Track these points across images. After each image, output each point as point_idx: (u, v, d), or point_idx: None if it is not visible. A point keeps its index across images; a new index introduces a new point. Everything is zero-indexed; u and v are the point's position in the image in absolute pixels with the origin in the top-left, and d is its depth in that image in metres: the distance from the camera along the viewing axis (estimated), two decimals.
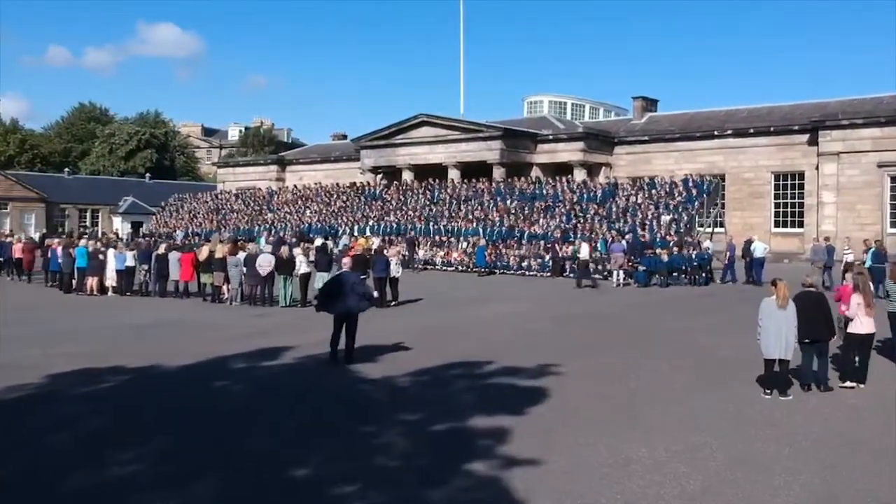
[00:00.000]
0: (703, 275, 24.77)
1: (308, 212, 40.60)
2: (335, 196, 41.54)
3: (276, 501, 6.41)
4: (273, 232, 36.93)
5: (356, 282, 12.60)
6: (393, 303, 19.69)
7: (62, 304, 21.04)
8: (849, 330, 10.33)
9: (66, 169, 69.44)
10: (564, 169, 39.50)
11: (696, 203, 30.27)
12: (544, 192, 34.20)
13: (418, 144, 42.49)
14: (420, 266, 30.88)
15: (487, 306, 19.64)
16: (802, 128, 35.86)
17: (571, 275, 26.02)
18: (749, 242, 25.12)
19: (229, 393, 10.33)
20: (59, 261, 24.04)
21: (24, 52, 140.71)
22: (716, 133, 38.72)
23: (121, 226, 59.51)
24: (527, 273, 28.25)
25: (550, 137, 41.01)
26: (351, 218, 37.42)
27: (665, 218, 28.66)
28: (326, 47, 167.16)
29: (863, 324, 10.19)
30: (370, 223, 35.85)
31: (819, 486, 6.72)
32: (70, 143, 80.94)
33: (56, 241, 28.59)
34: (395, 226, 34.89)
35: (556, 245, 27.89)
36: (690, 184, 31.18)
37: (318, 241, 29.69)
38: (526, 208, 32.97)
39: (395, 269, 20.16)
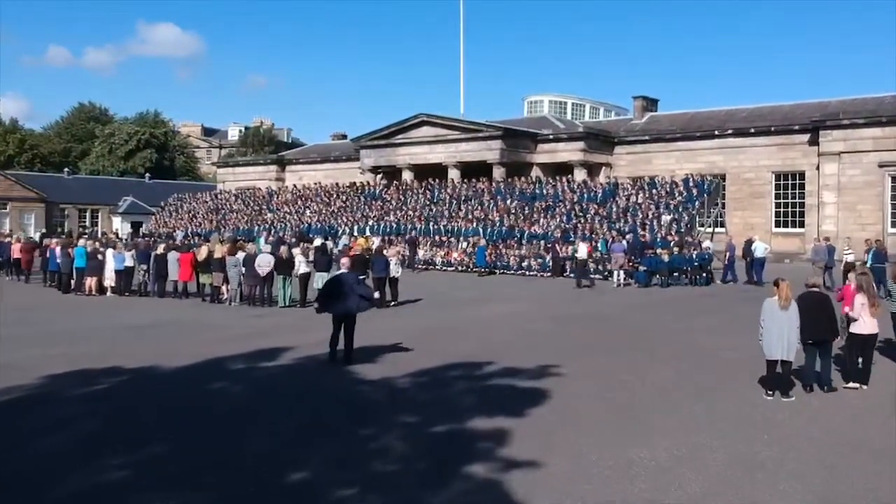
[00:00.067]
0: (704, 275, 24.69)
1: (308, 212, 40.54)
2: (335, 196, 41.47)
3: None
4: (273, 232, 36.86)
5: (355, 282, 12.53)
6: (392, 303, 19.62)
7: (60, 305, 20.97)
8: (852, 330, 10.25)
9: (66, 169, 69.39)
10: (565, 169, 39.43)
11: (697, 203, 30.20)
12: (544, 191, 34.14)
13: (418, 144, 42.41)
14: (421, 266, 30.80)
15: (487, 306, 19.57)
16: (803, 127, 35.79)
17: (572, 275, 25.96)
18: (750, 242, 25.06)
19: (228, 394, 10.26)
20: (58, 261, 23.96)
21: (24, 52, 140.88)
22: (716, 133, 38.65)
23: (120, 226, 59.45)
24: (527, 273, 28.18)
25: (551, 137, 40.94)
26: (351, 218, 37.35)
27: (665, 218, 28.60)
28: (326, 47, 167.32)
29: (866, 324, 10.13)
30: (370, 223, 35.79)
31: (822, 489, 6.65)
32: (70, 143, 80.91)
33: (55, 240, 28.51)
34: (394, 226, 34.83)
35: (557, 245, 27.82)
36: (691, 183, 31.12)
37: (318, 241, 29.63)
38: (526, 208, 32.91)
39: (395, 270, 20.09)
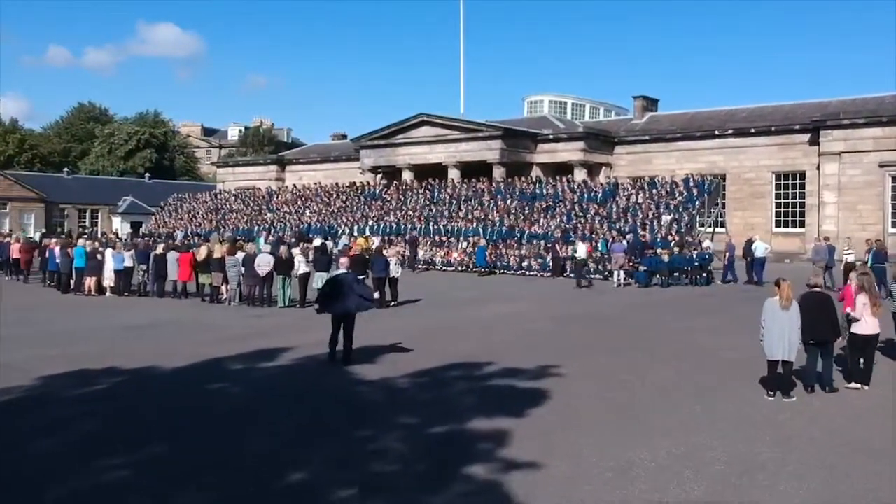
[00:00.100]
0: (704, 275, 24.65)
1: (307, 212, 40.50)
2: (335, 196, 41.43)
3: None
4: (272, 232, 36.82)
5: (355, 282, 12.49)
6: (392, 303, 19.58)
7: (60, 305, 20.92)
8: (853, 330, 10.21)
9: (66, 169, 69.37)
10: (565, 169, 39.40)
11: (697, 203, 30.16)
12: (544, 191, 34.10)
13: (418, 144, 42.38)
14: (421, 266, 30.76)
15: (487, 307, 19.53)
16: (803, 127, 35.76)
17: (572, 275, 25.93)
18: (750, 242, 25.03)
19: (227, 394, 10.22)
20: (57, 261, 23.92)
21: (24, 52, 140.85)
22: (717, 133, 38.62)
23: (120, 226, 59.40)
24: (527, 273, 28.14)
25: (551, 137, 40.90)
26: (350, 218, 37.32)
27: (666, 218, 28.56)
28: (326, 47, 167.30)
29: (867, 324, 10.08)
30: (370, 223, 35.75)
31: (823, 490, 6.61)
32: (69, 143, 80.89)
33: (54, 240, 28.47)
34: (394, 226, 34.79)
35: (557, 245, 27.78)
36: (691, 183, 31.07)
37: (317, 241, 29.60)
38: (526, 208, 32.87)
39: (395, 270, 20.04)
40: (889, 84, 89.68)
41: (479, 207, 34.21)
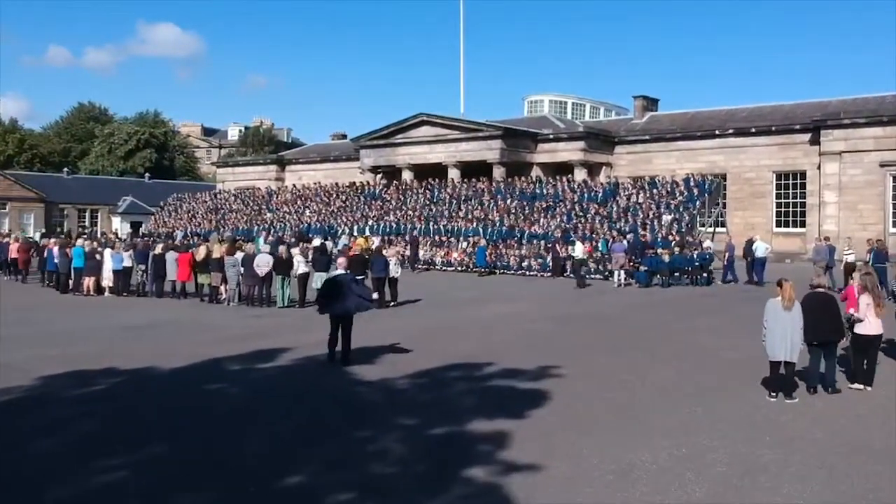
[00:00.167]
0: (705, 275, 24.59)
1: (307, 212, 40.45)
2: (334, 196, 41.38)
3: None
4: (272, 232, 36.77)
5: (353, 282, 12.43)
6: (392, 303, 19.51)
7: (58, 305, 20.87)
8: (856, 331, 10.13)
9: (66, 169, 69.31)
10: (565, 168, 39.35)
11: (698, 203, 30.10)
12: (545, 191, 34.04)
13: (418, 144, 42.32)
14: (422, 266, 30.71)
15: (487, 307, 19.47)
16: (804, 127, 35.70)
17: (572, 275, 25.87)
18: (751, 242, 24.96)
19: (225, 395, 10.16)
20: (56, 261, 23.86)
21: (24, 52, 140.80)
22: (717, 132, 38.56)
23: (120, 226, 59.34)
24: (527, 273, 28.09)
25: (551, 137, 40.85)
26: (350, 218, 37.26)
27: (666, 217, 28.50)
28: (326, 47, 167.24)
29: (871, 324, 10.01)
30: (370, 223, 35.70)
31: (826, 491, 6.55)
32: (69, 143, 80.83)
33: (52, 240, 28.43)
34: (394, 226, 34.74)
35: (557, 245, 27.72)
36: (692, 183, 31.01)
37: (317, 242, 29.54)
38: (526, 208, 32.82)
39: (395, 270, 19.98)
40: (889, 84, 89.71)
41: (479, 207, 34.16)
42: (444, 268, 30.68)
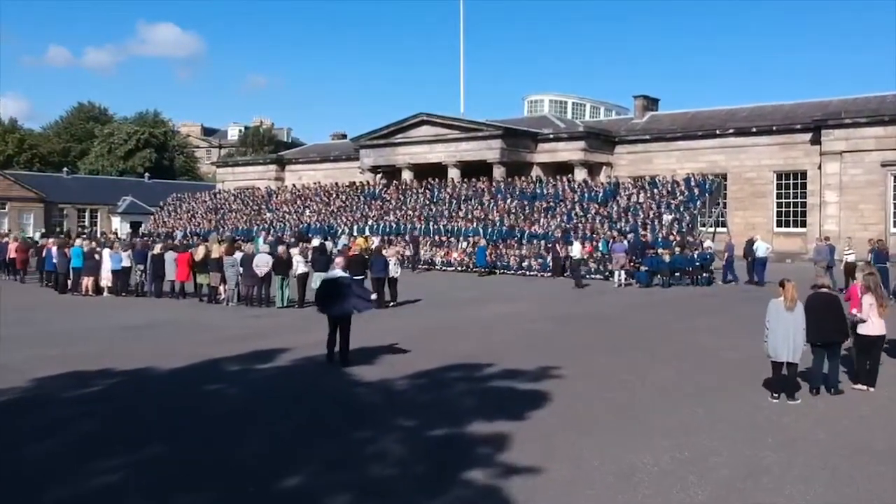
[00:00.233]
0: (706, 275, 24.52)
1: (307, 211, 40.39)
2: (334, 196, 41.32)
3: None
4: (272, 232, 36.70)
5: (351, 282, 12.36)
6: (392, 303, 19.44)
7: (57, 305, 20.82)
8: (859, 331, 10.06)
9: (65, 169, 69.27)
10: (565, 168, 39.28)
11: (699, 202, 30.02)
12: (545, 191, 33.97)
13: (418, 144, 42.25)
14: (422, 266, 30.65)
15: (487, 307, 19.41)
16: (805, 127, 35.62)
17: (572, 275, 25.80)
18: (751, 242, 24.88)
19: (225, 395, 10.10)
20: (54, 261, 23.80)
21: (24, 52, 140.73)
22: (717, 132, 38.49)
23: (119, 225, 59.30)
24: (527, 273, 28.03)
25: (551, 137, 40.77)
26: (350, 218, 37.20)
27: (667, 217, 28.43)
28: (326, 47, 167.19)
29: (874, 325, 9.94)
30: (369, 223, 35.64)
31: (829, 493, 6.49)
32: (69, 143, 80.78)
33: (51, 240, 28.37)
34: (394, 225, 34.67)
35: (557, 245, 27.65)
36: (693, 183, 30.93)
37: (316, 241, 29.47)
38: (526, 208, 32.75)
39: (394, 270, 19.91)
40: (890, 83, 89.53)
41: (479, 207, 34.09)
42: (444, 268, 30.62)
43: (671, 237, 26.30)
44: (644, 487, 6.57)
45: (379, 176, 44.49)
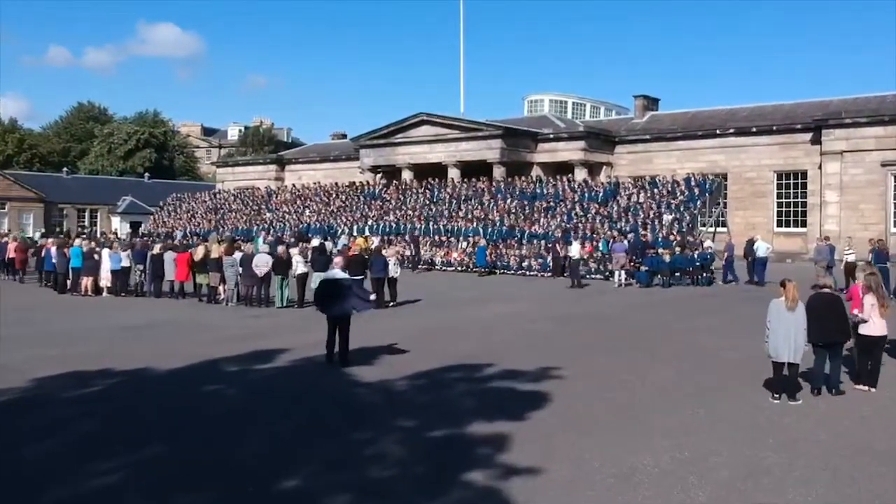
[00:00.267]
0: (706, 275, 24.49)
1: (307, 211, 40.35)
2: (334, 196, 41.28)
3: None
4: (271, 232, 36.67)
5: (349, 282, 12.32)
6: (391, 303, 19.41)
7: (56, 305, 20.78)
8: (860, 331, 10.02)
9: (65, 168, 69.26)
10: (565, 168, 39.24)
11: (699, 202, 29.99)
12: (545, 191, 33.93)
13: (418, 143, 42.21)
14: (423, 267, 30.62)
15: (487, 307, 19.38)
16: (805, 126, 35.58)
17: (570, 275, 25.75)
18: (751, 242, 24.85)
19: (224, 396, 10.07)
20: (54, 261, 23.76)
21: (24, 52, 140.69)
22: (718, 132, 38.44)
23: (119, 225, 59.28)
24: (527, 273, 27.99)
25: (551, 136, 40.74)
26: (350, 217, 37.16)
27: (667, 217, 28.40)
28: (326, 47, 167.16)
29: (875, 325, 9.90)
30: (369, 223, 35.60)
31: (832, 496, 6.46)
32: (69, 143, 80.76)
33: (50, 240, 28.33)
34: (394, 225, 34.64)
35: (557, 245, 27.61)
36: (693, 183, 30.89)
37: (315, 241, 29.44)
38: (526, 208, 32.71)
39: (394, 270, 19.88)
40: (890, 83, 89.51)
41: (479, 207, 34.05)
42: (444, 268, 30.59)
43: (671, 237, 26.27)
44: (644, 488, 6.54)
45: (379, 176, 44.45)
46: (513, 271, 28.48)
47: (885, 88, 40.49)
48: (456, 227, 32.69)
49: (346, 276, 12.59)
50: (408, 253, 30.48)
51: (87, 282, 22.59)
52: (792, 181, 36.38)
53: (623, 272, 24.39)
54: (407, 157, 42.69)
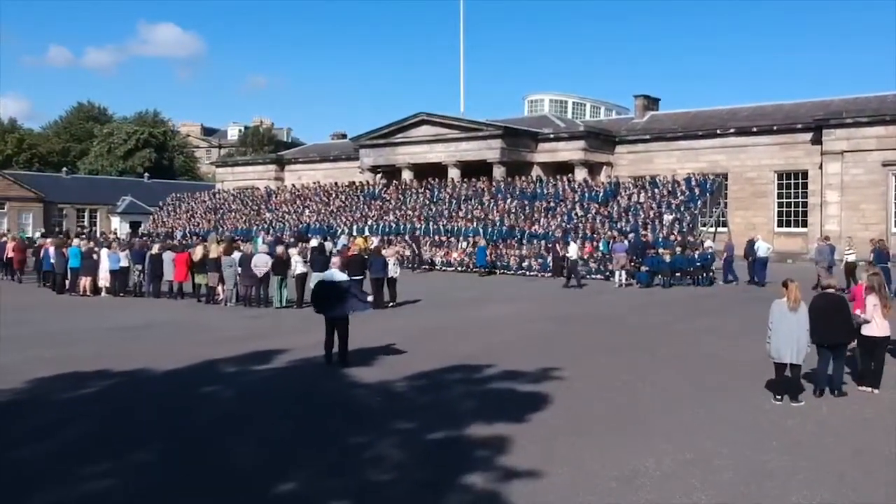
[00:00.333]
0: (706, 275, 24.42)
1: (307, 211, 40.28)
2: (334, 195, 41.21)
3: None
4: (271, 232, 36.60)
5: (348, 283, 12.24)
6: (391, 304, 19.33)
7: (55, 305, 20.72)
8: (863, 332, 9.94)
9: (65, 168, 69.18)
10: (565, 168, 39.16)
11: (699, 202, 29.92)
12: (545, 191, 33.86)
13: (418, 143, 42.13)
14: (425, 266, 30.53)
15: (487, 307, 19.32)
16: (806, 126, 35.50)
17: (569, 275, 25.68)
18: (752, 242, 24.77)
19: (220, 398, 9.99)
20: (52, 261, 23.69)
21: (24, 52, 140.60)
22: (718, 132, 38.35)
23: (119, 225, 59.19)
24: (527, 273, 27.93)
25: (551, 136, 40.65)
26: (350, 218, 37.10)
27: (667, 217, 28.33)
28: (326, 47, 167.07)
29: (878, 326, 9.82)
30: (369, 223, 35.53)
31: (834, 498, 6.38)
32: (68, 143, 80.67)
33: (49, 240, 28.25)
34: (394, 225, 34.57)
35: (557, 245, 27.53)
36: (693, 183, 30.83)
37: (315, 242, 29.35)
38: (526, 208, 32.64)
39: (393, 270, 19.80)
40: (891, 83, 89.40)
41: (479, 207, 33.98)
42: (444, 268, 30.52)
43: (672, 237, 26.20)
44: (646, 491, 6.46)
45: (379, 176, 44.38)
46: (513, 271, 28.41)
47: (886, 88, 40.44)
48: (456, 227, 32.62)
49: (344, 276, 12.50)
50: (408, 253, 30.40)
51: (85, 282, 22.52)
52: (793, 181, 36.30)
53: (623, 272, 24.32)
54: (407, 157, 42.61)
